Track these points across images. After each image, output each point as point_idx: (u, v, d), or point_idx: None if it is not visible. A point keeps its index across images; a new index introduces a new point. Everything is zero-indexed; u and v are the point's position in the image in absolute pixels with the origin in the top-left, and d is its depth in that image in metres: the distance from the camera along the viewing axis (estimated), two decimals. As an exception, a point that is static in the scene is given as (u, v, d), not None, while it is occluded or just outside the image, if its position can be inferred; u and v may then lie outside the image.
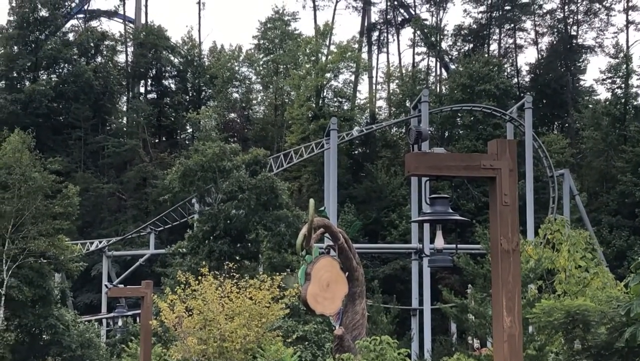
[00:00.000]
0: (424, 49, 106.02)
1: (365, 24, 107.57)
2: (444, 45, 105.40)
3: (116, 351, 51.20)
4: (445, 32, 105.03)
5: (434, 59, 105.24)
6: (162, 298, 27.34)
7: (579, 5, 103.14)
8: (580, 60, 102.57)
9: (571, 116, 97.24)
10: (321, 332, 36.78)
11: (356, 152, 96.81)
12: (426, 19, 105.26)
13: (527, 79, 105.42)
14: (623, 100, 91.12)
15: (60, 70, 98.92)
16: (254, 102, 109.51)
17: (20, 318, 47.20)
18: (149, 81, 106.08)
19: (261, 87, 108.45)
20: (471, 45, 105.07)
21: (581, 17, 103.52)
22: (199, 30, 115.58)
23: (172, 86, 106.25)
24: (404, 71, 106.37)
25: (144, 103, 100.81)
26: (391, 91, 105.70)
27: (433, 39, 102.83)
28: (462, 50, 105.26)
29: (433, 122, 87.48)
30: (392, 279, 78.76)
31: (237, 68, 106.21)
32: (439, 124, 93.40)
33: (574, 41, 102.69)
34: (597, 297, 19.40)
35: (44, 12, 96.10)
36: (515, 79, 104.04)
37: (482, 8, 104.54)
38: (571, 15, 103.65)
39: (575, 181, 78.11)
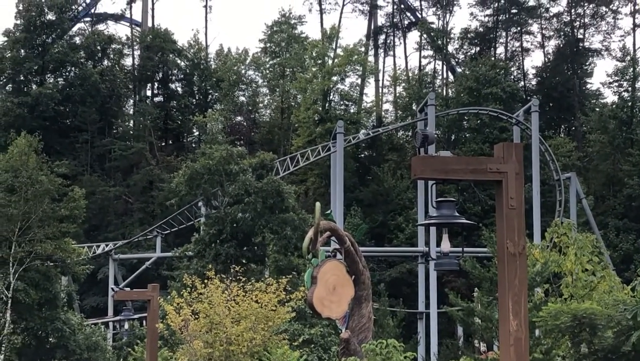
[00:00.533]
0: (431, 52, 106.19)
1: (372, 27, 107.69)
2: (450, 48, 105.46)
3: (122, 355, 51.22)
4: (452, 36, 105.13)
5: (440, 62, 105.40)
6: (168, 301, 27.33)
7: (585, 8, 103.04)
8: (587, 63, 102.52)
9: (578, 119, 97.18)
10: (327, 335, 36.74)
11: (362, 155, 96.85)
12: (432, 22, 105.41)
13: (533, 82, 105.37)
14: (630, 103, 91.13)
15: (67, 73, 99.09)
16: (261, 105, 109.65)
17: (26, 321, 47.21)
18: (156, 84, 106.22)
19: (267, 91, 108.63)
20: (478, 48, 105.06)
21: (588, 21, 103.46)
22: (206, 34, 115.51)
23: (179, 89, 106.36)
24: (410, 74, 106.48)
25: (150, 106, 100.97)
26: (397, 94, 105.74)
27: (439, 42, 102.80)
28: (469, 53, 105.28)
29: (439, 125, 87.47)
30: (399, 282, 78.76)
31: (243, 71, 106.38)
32: (446, 127, 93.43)
33: (581, 44, 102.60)
34: (603, 301, 19.38)
35: (50, 16, 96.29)
36: (522, 83, 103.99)
37: (488, 11, 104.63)
38: (578, 19, 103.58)
39: (582, 185, 78.06)
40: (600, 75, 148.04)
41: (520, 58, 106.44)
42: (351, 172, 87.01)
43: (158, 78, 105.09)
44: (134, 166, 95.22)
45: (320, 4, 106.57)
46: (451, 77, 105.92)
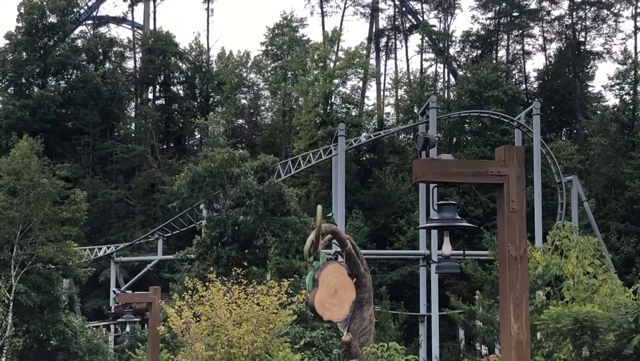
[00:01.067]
0: (432, 55, 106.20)
1: (374, 30, 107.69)
2: (452, 51, 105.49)
3: (124, 358, 51.23)
4: (453, 39, 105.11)
5: (442, 65, 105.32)
6: (169, 304, 27.34)
7: (587, 11, 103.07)
8: (589, 66, 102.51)
9: (579, 122, 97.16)
10: (329, 338, 36.76)
11: (364, 158, 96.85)
12: (434, 25, 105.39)
13: (535, 85, 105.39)
14: (631, 106, 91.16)
15: (69, 76, 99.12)
16: (262, 108, 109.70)
17: (28, 324, 47.26)
18: (157, 87, 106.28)
19: (269, 93, 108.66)
20: (479, 51, 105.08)
21: (589, 24, 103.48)
22: (207, 37, 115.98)
23: (181, 92, 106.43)
24: (412, 77, 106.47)
25: (152, 109, 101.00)
26: (399, 97, 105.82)
27: (441, 45, 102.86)
28: (470, 56, 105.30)
29: (441, 128, 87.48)
30: (400, 285, 78.76)
31: (245, 74, 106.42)
32: (447, 130, 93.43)
33: (582, 47, 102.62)
34: (605, 304, 19.36)
35: (52, 19, 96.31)
36: (524, 86, 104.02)
37: (490, 14, 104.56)
38: (579, 22, 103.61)
39: (584, 188, 78.00)
40: (602, 78, 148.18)
41: (522, 61, 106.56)
42: (352, 175, 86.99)
43: (160, 81, 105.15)
44: (135, 168, 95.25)
45: (321, 7, 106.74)
46: (453, 80, 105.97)
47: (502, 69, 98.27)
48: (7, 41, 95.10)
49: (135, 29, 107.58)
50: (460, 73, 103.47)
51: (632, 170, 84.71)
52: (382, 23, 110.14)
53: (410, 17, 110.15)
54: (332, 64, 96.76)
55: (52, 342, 48.25)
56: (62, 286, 52.08)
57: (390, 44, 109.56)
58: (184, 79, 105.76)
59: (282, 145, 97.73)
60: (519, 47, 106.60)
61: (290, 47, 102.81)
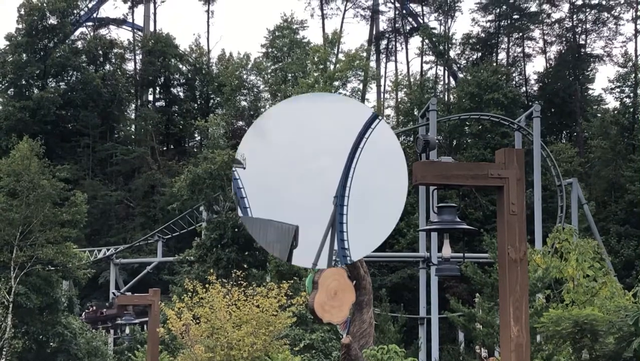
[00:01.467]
0: (432, 58, 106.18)
1: (374, 32, 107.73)
2: (452, 54, 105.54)
3: (123, 360, 51.20)
4: (454, 41, 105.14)
5: (442, 68, 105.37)
6: (169, 306, 27.32)
7: (587, 14, 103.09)
8: (589, 69, 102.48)
9: (579, 125, 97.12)
10: (328, 340, 36.73)
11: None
12: (434, 28, 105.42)
13: (535, 88, 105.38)
14: (631, 109, 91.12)
15: (69, 78, 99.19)
16: (262, 110, 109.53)
17: (27, 326, 47.23)
18: (157, 89, 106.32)
19: (269, 95, 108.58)
20: (479, 54, 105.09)
21: (590, 27, 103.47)
22: (208, 39, 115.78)
23: (181, 93, 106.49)
24: (412, 80, 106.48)
25: (152, 111, 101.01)
26: (399, 100, 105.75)
27: (441, 47, 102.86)
28: (471, 59, 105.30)
29: (441, 130, 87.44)
30: (400, 287, 78.66)
31: (245, 76, 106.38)
32: (447, 132, 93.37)
33: (583, 50, 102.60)
34: (605, 307, 19.36)
35: (52, 20, 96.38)
36: (524, 88, 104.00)
37: (490, 17, 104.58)
38: (580, 25, 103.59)
39: (584, 190, 77.90)
40: (602, 81, 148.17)
41: (522, 64, 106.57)
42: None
43: (160, 83, 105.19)
44: (135, 170, 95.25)
45: (322, 9, 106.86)
46: (453, 82, 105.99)
47: (503, 72, 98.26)
48: (7, 43, 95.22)
49: (135, 30, 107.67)
50: (461, 75, 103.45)
51: (632, 173, 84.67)
52: (383, 25, 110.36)
53: (410, 19, 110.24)
54: (332, 67, 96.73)
55: (51, 344, 48.22)
56: (62, 288, 52.08)
57: (390, 47, 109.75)
58: (184, 80, 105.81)
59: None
60: (519, 49, 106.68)
61: (290, 49, 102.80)
